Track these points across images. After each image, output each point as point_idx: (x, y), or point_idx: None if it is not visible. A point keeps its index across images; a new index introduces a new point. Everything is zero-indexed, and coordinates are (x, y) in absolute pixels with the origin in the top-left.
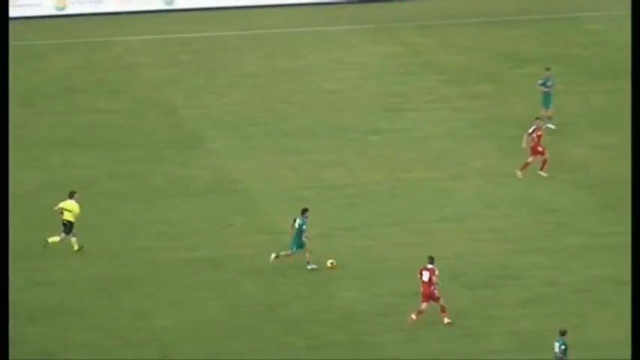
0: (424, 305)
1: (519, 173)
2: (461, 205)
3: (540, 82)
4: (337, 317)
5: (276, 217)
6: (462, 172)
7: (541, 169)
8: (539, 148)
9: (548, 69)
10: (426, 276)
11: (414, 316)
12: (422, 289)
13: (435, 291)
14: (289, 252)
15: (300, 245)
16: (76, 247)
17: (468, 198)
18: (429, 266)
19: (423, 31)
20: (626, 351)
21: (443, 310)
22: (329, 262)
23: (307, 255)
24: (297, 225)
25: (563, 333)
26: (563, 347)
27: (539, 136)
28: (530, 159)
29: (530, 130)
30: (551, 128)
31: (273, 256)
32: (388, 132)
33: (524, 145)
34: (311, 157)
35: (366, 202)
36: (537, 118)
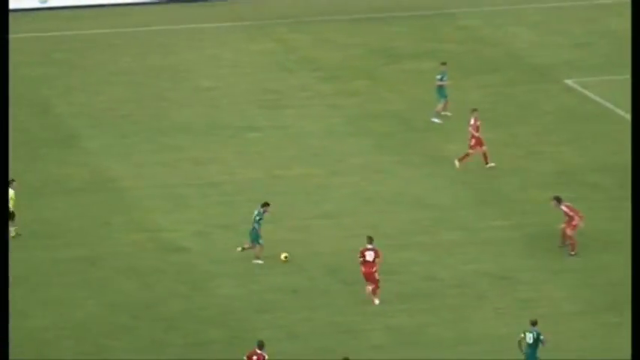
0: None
1: (488, 165)
2: (338, 202)
3: (438, 77)
4: (216, 314)
5: (154, 214)
6: (339, 168)
7: (460, 160)
8: (472, 141)
9: (443, 64)
10: (370, 256)
11: (375, 299)
12: (363, 270)
13: (376, 273)
14: (251, 245)
15: (254, 239)
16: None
17: (346, 195)
18: (370, 246)
19: (298, 28)
20: (501, 346)
21: (374, 292)
22: (282, 256)
23: (257, 249)
24: (253, 217)
25: (534, 323)
26: (535, 337)
27: (477, 127)
28: (483, 148)
29: (472, 122)
30: (437, 122)
31: (238, 249)
32: (265, 129)
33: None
34: (188, 155)
35: (244, 199)
36: (475, 110)
